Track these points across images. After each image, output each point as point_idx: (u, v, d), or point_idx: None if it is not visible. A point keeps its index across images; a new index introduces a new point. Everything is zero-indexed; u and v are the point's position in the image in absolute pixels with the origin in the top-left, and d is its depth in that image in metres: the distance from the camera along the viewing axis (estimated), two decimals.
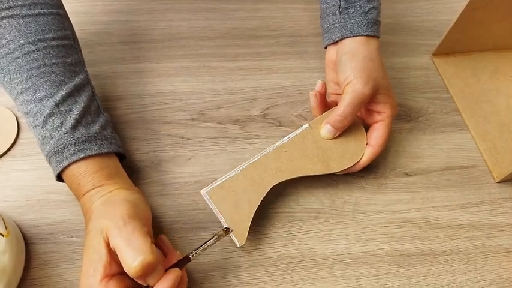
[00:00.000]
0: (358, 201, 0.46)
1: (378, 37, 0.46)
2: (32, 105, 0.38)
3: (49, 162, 0.38)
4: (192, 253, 0.36)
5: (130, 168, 0.45)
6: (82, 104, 0.39)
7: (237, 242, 0.39)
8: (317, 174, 0.43)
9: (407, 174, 0.48)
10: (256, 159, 0.43)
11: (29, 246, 0.40)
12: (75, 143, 0.37)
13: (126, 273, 0.32)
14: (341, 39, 0.46)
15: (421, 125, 0.52)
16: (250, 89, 0.53)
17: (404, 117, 0.52)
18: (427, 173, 0.49)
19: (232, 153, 0.48)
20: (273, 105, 0.52)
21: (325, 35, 0.49)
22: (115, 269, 0.33)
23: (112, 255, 0.32)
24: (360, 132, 0.46)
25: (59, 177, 0.39)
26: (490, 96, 0.55)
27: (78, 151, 0.36)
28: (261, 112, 0.51)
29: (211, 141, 0.48)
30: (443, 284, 0.41)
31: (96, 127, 0.39)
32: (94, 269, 0.32)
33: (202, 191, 0.41)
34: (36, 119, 0.38)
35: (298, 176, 0.43)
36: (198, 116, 0.50)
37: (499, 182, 0.48)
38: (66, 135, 0.37)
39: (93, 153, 0.37)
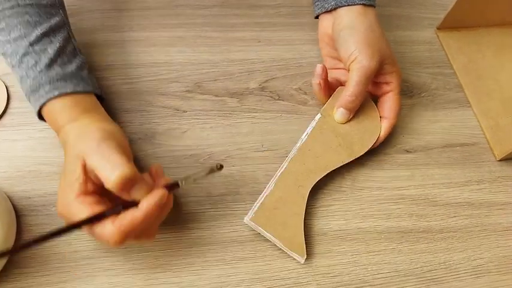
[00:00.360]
0: (356, 177, 0.45)
1: (374, 6, 0.44)
2: (7, 46, 0.38)
3: (30, 101, 0.39)
4: (182, 181, 0.35)
5: (127, 139, 0.44)
6: (57, 45, 0.39)
7: (299, 259, 0.39)
8: (346, 163, 0.43)
9: (407, 151, 0.47)
10: (284, 168, 0.42)
11: (20, 218, 0.39)
12: (49, 81, 0.37)
13: (104, 193, 0.32)
14: (335, 8, 0.44)
15: (423, 101, 0.51)
16: (248, 61, 0.51)
17: (407, 93, 0.51)
18: (428, 150, 0.48)
19: (229, 126, 0.46)
20: (271, 78, 0.50)
21: (317, 3, 0.47)
22: (92, 188, 0.33)
23: (89, 176, 0.33)
24: (371, 107, 0.45)
25: (41, 117, 0.39)
26: (494, 73, 0.53)
27: (53, 89, 0.37)
28: (259, 85, 0.50)
29: (208, 114, 0.47)
30: (440, 262, 0.41)
31: (72, 67, 0.39)
32: (70, 188, 0.32)
33: (246, 219, 0.39)
34: (13, 59, 0.38)
35: (330, 171, 0.42)
36: (194, 88, 0.48)
37: (500, 160, 0.47)
38: (41, 74, 0.37)
39: (68, 92, 0.37)
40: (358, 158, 0.43)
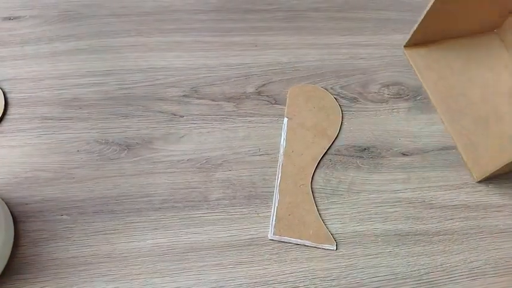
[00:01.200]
0: (353, 180, 0.45)
1: None
2: None
3: None
4: None
5: (120, 145, 0.44)
6: None
7: (331, 247, 0.41)
8: (328, 147, 0.46)
9: (404, 154, 0.47)
10: (279, 175, 0.43)
11: (17, 224, 0.39)
12: None
13: None
14: None
15: (419, 104, 0.51)
16: (245, 65, 0.51)
17: (402, 96, 0.51)
18: (424, 152, 0.48)
19: (226, 131, 0.46)
20: (268, 82, 0.50)
21: None
22: None
23: None
24: (324, 93, 0.50)
25: None
26: (465, 88, 0.51)
27: None
28: (256, 89, 0.50)
29: (205, 118, 0.47)
30: (437, 264, 0.41)
31: None
32: None
33: (270, 236, 0.40)
34: None
35: (319, 160, 0.45)
36: (191, 92, 0.49)
37: (479, 182, 0.46)
38: None
39: None
40: (352, 160, 0.44)
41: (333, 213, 0.43)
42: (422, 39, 0.53)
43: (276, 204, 0.42)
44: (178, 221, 0.41)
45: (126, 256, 0.39)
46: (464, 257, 0.42)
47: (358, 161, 0.46)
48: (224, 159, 0.45)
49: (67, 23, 0.50)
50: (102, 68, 0.48)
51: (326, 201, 0.44)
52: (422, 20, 0.49)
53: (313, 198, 0.43)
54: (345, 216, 0.43)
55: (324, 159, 0.46)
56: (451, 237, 0.43)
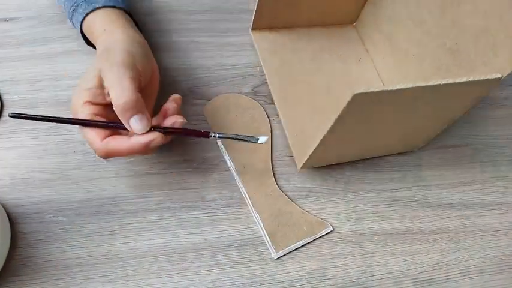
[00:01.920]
0: (349, 179, 0.45)
1: None
2: None
3: (75, 26, 0.44)
4: (215, 133, 0.37)
5: None
6: None
7: (329, 229, 0.42)
8: (271, 144, 0.46)
9: (400, 153, 0.47)
10: (247, 196, 0.43)
11: (14, 226, 0.39)
12: (84, 0, 0.42)
13: (110, 108, 0.35)
14: None
15: None
16: (241, 66, 0.51)
17: None
18: (420, 151, 0.48)
19: None
20: (264, 82, 0.50)
21: None
22: (99, 99, 0.35)
23: (101, 88, 0.35)
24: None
25: (86, 39, 0.44)
26: (310, 76, 0.48)
27: (88, 5, 0.42)
28: (252, 89, 0.50)
29: (201, 119, 0.47)
30: (434, 263, 0.42)
31: None
32: (82, 93, 0.35)
33: (274, 256, 0.40)
34: None
35: (271, 159, 0.45)
36: (188, 93, 0.48)
37: (300, 171, 0.44)
38: None
39: (100, 6, 0.41)
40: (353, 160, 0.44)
41: (330, 213, 0.43)
42: (269, 24, 0.51)
43: (261, 224, 0.41)
44: (175, 221, 0.41)
45: (123, 257, 0.39)
46: (461, 255, 0.42)
47: (354, 160, 0.46)
48: (221, 158, 0.45)
49: (63, 24, 0.50)
50: None
51: (322, 201, 0.44)
52: (258, 2, 0.47)
53: (286, 195, 0.43)
54: (341, 215, 0.43)
55: None
56: (448, 236, 0.43)
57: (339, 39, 0.53)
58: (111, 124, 0.36)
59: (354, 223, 0.43)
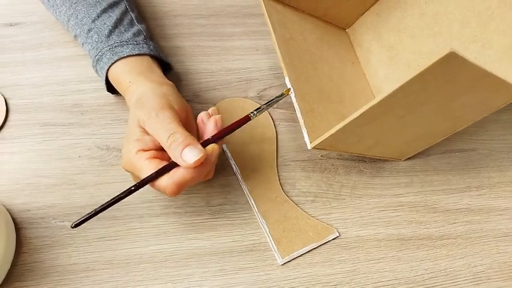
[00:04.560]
0: (355, 185, 0.45)
1: None
2: (77, 28, 0.45)
3: (99, 74, 0.44)
4: (252, 113, 0.37)
5: (121, 151, 0.44)
6: (115, 18, 0.44)
7: (335, 235, 0.42)
8: (276, 148, 0.46)
9: (407, 158, 0.47)
10: (253, 203, 0.42)
11: (19, 231, 0.39)
12: (109, 49, 0.42)
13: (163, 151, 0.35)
14: None
15: None
16: (246, 70, 0.51)
17: None
18: (426, 156, 0.48)
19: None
20: (269, 86, 0.50)
21: None
22: (150, 144, 0.36)
23: (148, 134, 0.36)
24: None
25: (110, 86, 0.44)
26: (315, 61, 0.47)
27: (113, 55, 0.42)
28: (258, 93, 0.50)
29: None
30: (441, 269, 0.41)
31: (128, 35, 0.44)
32: (131, 145, 0.35)
33: (280, 262, 0.40)
34: (81, 38, 0.45)
35: (276, 164, 0.45)
36: (193, 97, 0.48)
37: (314, 148, 0.40)
38: (102, 44, 0.43)
39: (125, 55, 0.41)
40: (354, 164, 0.43)
41: (336, 218, 0.43)
42: None
43: (267, 230, 0.41)
44: (180, 226, 0.41)
45: (128, 262, 0.38)
46: (468, 261, 0.42)
47: (360, 165, 0.46)
48: (227, 164, 0.44)
49: (67, 31, 0.50)
50: None
51: (328, 206, 0.43)
52: None
53: (292, 200, 0.43)
54: (347, 220, 0.43)
55: (326, 164, 0.46)
56: (455, 242, 0.43)
57: (335, 39, 0.52)
58: (173, 165, 0.35)
59: (360, 228, 0.43)
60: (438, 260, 0.42)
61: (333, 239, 0.41)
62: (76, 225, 0.33)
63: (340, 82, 0.47)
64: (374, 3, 0.50)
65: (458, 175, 0.47)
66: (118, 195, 0.34)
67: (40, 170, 0.42)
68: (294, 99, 0.40)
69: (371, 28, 0.51)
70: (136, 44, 0.43)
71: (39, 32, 0.50)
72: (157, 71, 0.43)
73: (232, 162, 0.44)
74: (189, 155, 0.33)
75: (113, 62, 0.41)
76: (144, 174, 0.34)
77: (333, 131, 0.35)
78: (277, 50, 0.42)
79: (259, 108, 0.38)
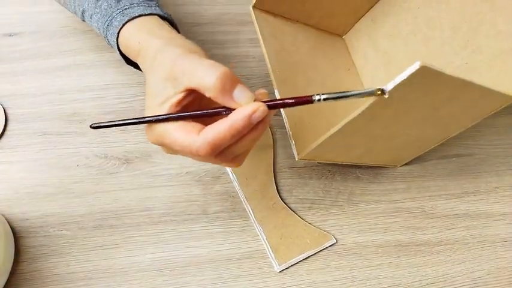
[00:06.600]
0: (353, 191, 0.45)
1: None
2: (84, 1, 0.41)
3: (108, 43, 0.40)
4: (319, 95, 0.29)
5: (119, 159, 0.44)
6: None
7: (332, 242, 0.42)
8: (273, 154, 0.46)
9: (404, 164, 0.47)
10: (250, 209, 0.42)
11: (18, 240, 0.39)
12: (120, 12, 0.39)
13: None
14: None
15: None
16: (243, 77, 0.51)
17: None
18: (423, 161, 0.48)
19: None
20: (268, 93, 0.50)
21: None
22: (180, 108, 0.30)
23: (176, 96, 0.30)
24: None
25: (122, 55, 0.40)
26: (307, 71, 0.46)
27: (123, 16, 0.38)
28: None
29: None
30: (439, 275, 0.41)
31: None
32: (160, 109, 0.30)
33: (278, 269, 0.40)
34: (90, 10, 0.41)
35: (273, 170, 0.45)
36: None
37: (302, 159, 0.40)
38: (111, 9, 0.39)
39: (136, 15, 0.38)
40: (351, 170, 0.44)
41: (333, 225, 0.43)
42: (270, 7, 0.47)
43: (264, 237, 0.41)
44: (177, 234, 0.41)
45: (126, 271, 0.39)
46: (466, 267, 0.42)
47: (357, 172, 0.46)
48: (223, 171, 0.45)
49: (65, 38, 0.51)
50: (101, 82, 0.49)
51: (325, 213, 0.43)
52: None
53: (289, 207, 0.43)
54: (345, 227, 0.43)
55: (323, 170, 0.46)
56: (452, 247, 0.43)
57: (330, 46, 0.53)
58: (206, 112, 0.29)
59: (358, 235, 0.43)
60: (436, 265, 0.42)
61: (331, 245, 0.41)
62: (95, 127, 0.31)
63: (333, 90, 0.47)
64: (369, 10, 0.51)
65: (456, 180, 0.47)
66: (149, 117, 0.30)
67: (39, 179, 0.42)
68: (282, 111, 0.39)
69: (366, 34, 0.51)
70: (148, 6, 0.39)
71: (37, 42, 0.51)
72: (168, 28, 0.38)
73: (229, 170, 0.44)
74: (241, 94, 0.28)
75: (123, 23, 0.37)
76: (170, 133, 0.29)
77: (318, 142, 0.35)
78: (268, 63, 0.41)
79: (330, 94, 0.29)
